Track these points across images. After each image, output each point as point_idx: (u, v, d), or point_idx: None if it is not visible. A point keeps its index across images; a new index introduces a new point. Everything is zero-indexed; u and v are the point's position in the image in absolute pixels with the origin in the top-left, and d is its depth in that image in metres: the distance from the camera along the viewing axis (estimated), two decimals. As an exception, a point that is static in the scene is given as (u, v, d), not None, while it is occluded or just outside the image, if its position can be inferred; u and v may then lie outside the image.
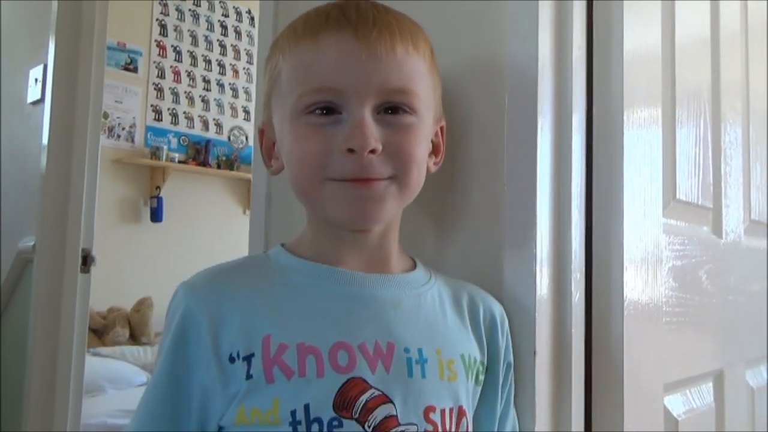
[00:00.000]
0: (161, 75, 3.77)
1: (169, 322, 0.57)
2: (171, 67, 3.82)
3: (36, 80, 1.86)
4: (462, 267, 0.74)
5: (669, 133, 0.90)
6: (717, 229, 1.03)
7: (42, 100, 1.83)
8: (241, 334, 0.54)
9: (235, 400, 0.54)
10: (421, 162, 0.61)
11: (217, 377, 0.54)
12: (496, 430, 0.65)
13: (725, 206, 1.05)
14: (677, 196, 0.90)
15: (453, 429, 0.57)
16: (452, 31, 0.78)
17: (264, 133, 0.66)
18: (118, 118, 3.56)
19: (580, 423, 0.72)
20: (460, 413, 0.59)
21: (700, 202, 0.97)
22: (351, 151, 0.55)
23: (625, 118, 0.78)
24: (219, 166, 3.95)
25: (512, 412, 0.67)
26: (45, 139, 1.80)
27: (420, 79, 0.60)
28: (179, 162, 3.76)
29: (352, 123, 0.56)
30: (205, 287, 0.58)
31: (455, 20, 0.79)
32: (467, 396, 0.60)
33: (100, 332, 3.22)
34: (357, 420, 0.53)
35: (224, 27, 4.10)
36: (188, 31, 3.92)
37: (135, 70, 3.65)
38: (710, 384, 0.97)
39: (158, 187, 3.65)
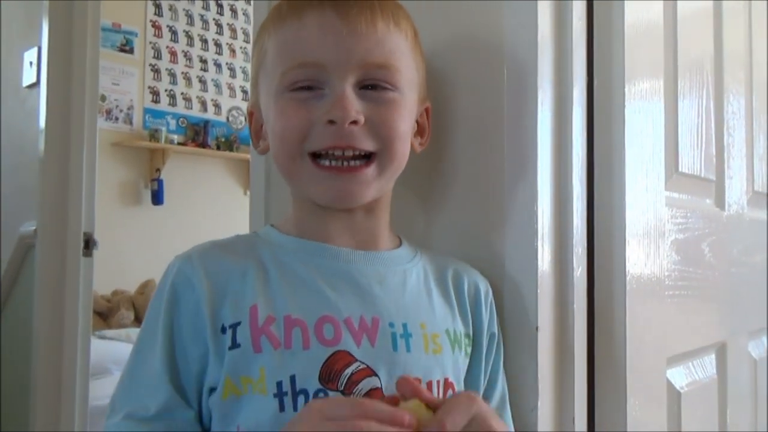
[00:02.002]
0: (158, 56, 3.74)
1: (161, 289, 0.58)
2: (167, 47, 3.79)
3: (31, 63, 1.85)
4: (463, 243, 0.74)
5: (671, 106, 0.89)
6: (720, 201, 1.02)
7: (38, 83, 1.82)
8: (233, 304, 0.56)
9: (224, 367, 0.55)
10: (405, 137, 0.61)
11: (211, 345, 0.55)
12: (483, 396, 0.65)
13: (728, 178, 1.04)
14: (680, 169, 0.89)
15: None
16: (448, 5, 0.77)
17: (253, 115, 0.67)
18: (115, 100, 3.54)
19: (583, 397, 0.72)
20: (447, 385, 0.59)
21: (702, 175, 0.97)
22: (332, 122, 0.56)
23: (626, 91, 0.77)
24: (218, 147, 3.93)
25: (500, 382, 0.67)
26: (42, 123, 1.79)
27: (401, 55, 0.60)
28: (178, 144, 3.75)
29: (334, 96, 0.57)
30: (201, 258, 0.59)
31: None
32: (455, 368, 0.61)
33: (105, 315, 3.25)
34: (342, 392, 0.54)
35: (220, 6, 4.06)
36: (183, 10, 3.87)
37: (131, 51, 3.62)
38: (713, 356, 0.98)
39: (158, 170, 3.65)
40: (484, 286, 0.67)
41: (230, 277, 0.57)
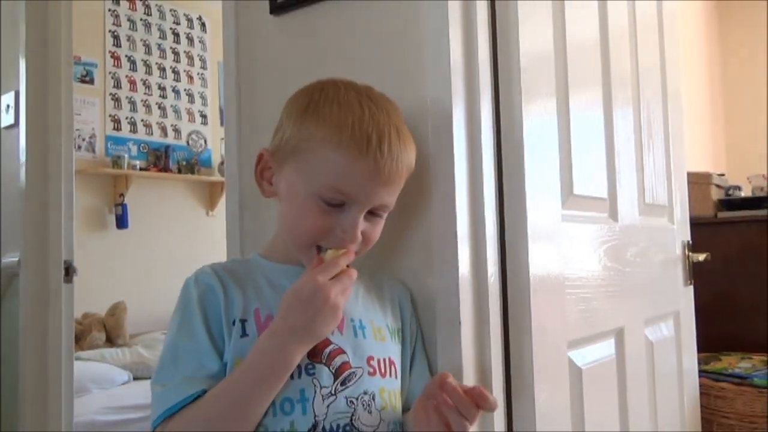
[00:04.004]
0: (117, 85, 3.86)
1: (189, 294, 0.77)
2: (126, 76, 3.91)
3: (8, 106, 1.97)
4: (403, 261, 0.94)
5: (564, 133, 1.08)
6: (613, 214, 1.23)
7: (16, 124, 1.94)
8: (240, 306, 0.76)
9: (233, 350, 0.74)
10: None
11: (225, 332, 0.75)
12: (408, 372, 0.87)
13: (620, 194, 1.25)
14: (574, 192, 1.09)
15: (386, 371, 0.81)
16: (382, 81, 0.93)
17: (263, 157, 0.83)
18: (77, 130, 3.62)
19: (500, 378, 0.93)
20: (391, 362, 0.82)
21: (595, 195, 1.18)
22: (342, 239, 0.77)
23: (524, 122, 0.95)
24: (180, 171, 4.06)
25: (423, 360, 0.89)
26: (23, 158, 1.89)
27: (399, 188, 0.81)
28: (141, 169, 3.86)
29: (351, 222, 0.76)
30: (214, 272, 0.79)
31: (384, 67, 0.96)
32: (395, 352, 0.84)
33: (77, 337, 3.33)
34: (324, 364, 0.76)
35: (176, 34, 4.20)
36: (141, 40, 4.00)
37: (91, 81, 3.73)
38: (612, 339, 1.18)
39: (122, 195, 3.75)
40: (406, 293, 0.91)
41: (235, 287, 0.78)
